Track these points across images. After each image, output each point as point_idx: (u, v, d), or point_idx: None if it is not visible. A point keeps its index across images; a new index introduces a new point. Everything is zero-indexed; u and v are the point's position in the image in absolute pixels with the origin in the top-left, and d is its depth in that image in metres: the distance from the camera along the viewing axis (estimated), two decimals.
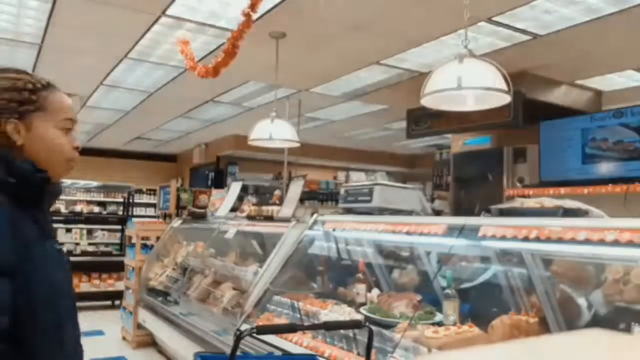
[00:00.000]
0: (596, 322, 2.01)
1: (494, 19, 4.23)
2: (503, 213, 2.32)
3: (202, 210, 5.33)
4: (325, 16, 4.33)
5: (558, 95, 5.84)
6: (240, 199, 4.95)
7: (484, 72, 2.77)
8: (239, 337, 1.57)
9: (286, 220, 3.56)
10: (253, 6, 3.71)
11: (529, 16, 4.17)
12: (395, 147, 11.33)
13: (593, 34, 4.45)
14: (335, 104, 7.39)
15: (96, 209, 9.76)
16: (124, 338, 6.11)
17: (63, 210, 9.32)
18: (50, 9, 4.32)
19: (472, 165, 6.40)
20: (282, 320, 2.69)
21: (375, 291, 2.83)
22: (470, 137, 6.61)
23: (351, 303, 2.75)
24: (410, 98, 6.43)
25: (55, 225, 9.32)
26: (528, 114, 5.28)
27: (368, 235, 3.00)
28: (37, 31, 4.84)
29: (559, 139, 5.27)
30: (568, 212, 2.03)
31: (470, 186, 6.37)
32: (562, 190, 4.71)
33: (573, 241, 1.81)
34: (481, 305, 2.46)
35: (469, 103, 3.08)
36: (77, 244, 9.11)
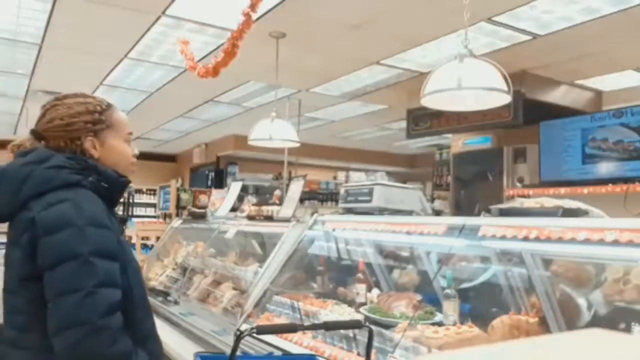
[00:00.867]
0: (596, 322, 2.01)
1: (494, 19, 4.23)
2: (503, 213, 2.31)
3: (202, 210, 5.32)
4: (325, 16, 4.33)
5: (558, 95, 5.85)
6: (240, 199, 4.94)
7: (484, 72, 2.77)
8: (239, 337, 1.57)
9: (286, 220, 3.56)
10: (253, 6, 3.71)
11: (529, 16, 4.16)
12: (395, 147, 11.33)
13: (593, 34, 4.45)
14: (335, 104, 7.39)
15: None
16: None
17: None
18: (50, 9, 4.32)
19: (472, 165, 6.40)
20: (282, 320, 2.69)
21: (375, 291, 2.83)
22: (470, 137, 6.61)
23: (351, 303, 2.74)
24: (410, 98, 6.44)
25: None
26: (528, 114, 5.29)
27: (368, 235, 3.00)
28: (37, 31, 4.84)
29: (559, 139, 5.27)
30: (568, 212, 2.03)
31: (470, 186, 6.37)
32: (562, 190, 4.71)
33: (573, 241, 1.81)
34: (481, 305, 2.46)
35: (469, 103, 3.08)
36: None
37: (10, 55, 5.54)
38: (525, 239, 1.97)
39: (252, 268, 3.50)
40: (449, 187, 7.01)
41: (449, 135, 6.99)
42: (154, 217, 10.08)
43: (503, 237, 2.05)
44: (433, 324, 2.25)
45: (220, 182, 10.60)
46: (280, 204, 4.11)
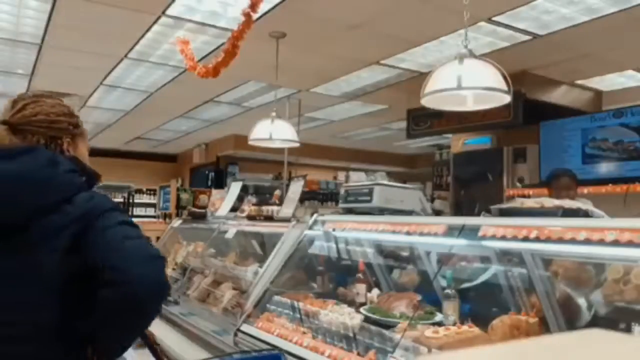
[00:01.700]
0: (596, 322, 2.01)
1: (494, 19, 4.24)
2: (503, 213, 2.31)
3: (202, 210, 5.32)
4: (325, 16, 4.33)
5: (558, 95, 5.85)
6: (240, 199, 4.94)
7: (484, 72, 2.77)
8: None
9: (286, 220, 3.56)
10: (253, 6, 3.71)
11: (529, 16, 4.17)
12: (395, 147, 11.33)
13: (593, 34, 4.45)
14: (335, 104, 7.40)
15: None
16: None
17: None
18: (50, 9, 4.32)
19: (472, 165, 6.40)
20: (282, 320, 2.69)
21: (375, 291, 2.83)
22: (470, 137, 6.61)
23: (351, 303, 2.74)
24: (410, 98, 6.44)
25: None
26: (528, 114, 5.29)
27: (368, 235, 3.00)
28: (37, 31, 4.84)
29: (559, 139, 5.28)
30: (568, 212, 2.03)
31: (470, 186, 6.37)
32: None
33: (573, 241, 1.81)
34: (481, 305, 2.46)
35: (469, 103, 3.07)
36: None
37: (10, 55, 5.54)
38: (525, 239, 1.97)
39: (252, 268, 3.50)
40: (449, 187, 7.01)
41: (449, 135, 6.99)
42: (154, 217, 10.09)
43: (503, 237, 2.05)
44: (433, 324, 2.25)
45: (220, 182, 10.60)
46: (280, 204, 4.11)
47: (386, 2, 4.03)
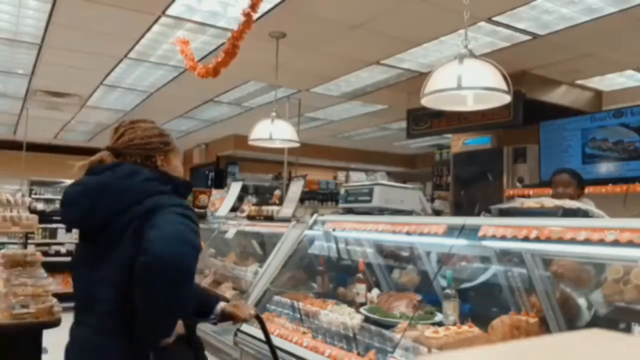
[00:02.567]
0: (596, 322, 2.01)
1: (494, 19, 4.23)
2: (503, 213, 2.32)
3: (202, 210, 5.32)
4: (325, 16, 4.33)
5: (558, 95, 5.85)
6: (240, 199, 4.94)
7: (484, 72, 2.77)
8: None
9: (286, 220, 3.56)
10: (253, 6, 3.71)
11: (529, 16, 4.17)
12: (395, 147, 11.33)
13: (593, 34, 4.45)
14: (335, 104, 7.40)
15: None
16: None
17: None
18: (50, 9, 4.32)
19: (472, 165, 6.40)
20: (282, 320, 2.69)
21: (375, 291, 2.83)
22: (470, 137, 6.61)
23: (351, 303, 2.74)
24: (410, 98, 6.44)
25: (55, 225, 9.34)
26: (528, 114, 5.29)
27: (368, 235, 3.00)
28: (37, 31, 4.84)
29: (559, 139, 5.28)
30: (568, 212, 2.03)
31: (470, 186, 6.37)
32: None
33: (573, 241, 1.81)
34: (481, 305, 2.46)
35: (469, 103, 3.07)
36: (77, 244, 9.10)
37: (10, 55, 5.54)
38: (525, 239, 1.97)
39: (252, 268, 3.50)
40: (449, 187, 7.01)
41: (449, 135, 6.99)
42: None
43: (503, 237, 2.05)
44: (433, 324, 2.25)
45: (220, 182, 10.59)
46: (280, 204, 4.11)
47: (386, 2, 4.03)
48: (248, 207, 4.57)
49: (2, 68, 6.01)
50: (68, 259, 8.20)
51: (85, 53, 5.39)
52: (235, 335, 2.71)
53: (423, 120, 6.34)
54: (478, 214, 3.13)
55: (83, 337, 1.70)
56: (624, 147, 4.76)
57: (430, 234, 2.39)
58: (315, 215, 3.31)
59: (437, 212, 6.08)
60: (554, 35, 4.51)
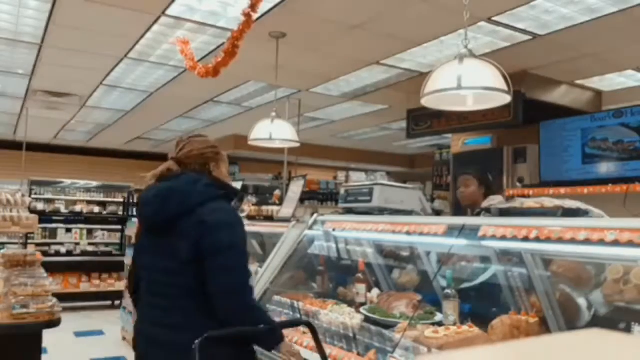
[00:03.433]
0: (596, 322, 2.01)
1: (494, 19, 4.23)
2: (503, 213, 2.32)
3: None
4: (325, 16, 4.33)
5: (558, 95, 5.84)
6: (240, 199, 4.94)
7: (484, 72, 2.77)
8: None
9: (286, 220, 3.56)
10: (253, 6, 3.71)
11: (529, 16, 4.17)
12: (395, 147, 11.33)
13: (593, 34, 4.45)
14: (335, 104, 7.40)
15: (96, 209, 9.74)
16: (123, 338, 6.11)
17: (63, 210, 9.30)
18: (50, 9, 4.32)
19: (472, 165, 6.39)
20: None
21: (375, 291, 2.83)
22: (470, 137, 6.61)
23: (351, 303, 2.74)
24: (410, 98, 6.44)
25: (55, 225, 9.35)
26: (528, 114, 5.28)
27: (368, 235, 3.00)
28: (37, 31, 4.84)
29: (559, 139, 5.28)
30: (568, 212, 2.03)
31: None
32: (562, 190, 4.71)
33: (573, 241, 1.81)
34: (481, 305, 2.46)
35: (469, 103, 3.07)
36: (77, 244, 9.11)
37: (10, 55, 5.54)
38: (525, 239, 1.97)
39: (252, 268, 3.50)
40: (449, 187, 7.01)
41: (449, 135, 6.99)
42: None
43: (503, 237, 2.05)
44: (433, 324, 2.25)
45: None
46: (280, 204, 4.11)
47: (386, 2, 4.03)
48: (248, 207, 4.57)
49: (2, 68, 6.00)
50: (68, 259, 8.24)
51: (85, 53, 5.39)
52: None
53: (423, 120, 6.34)
54: (478, 214, 3.13)
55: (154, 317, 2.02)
56: (624, 147, 4.76)
57: (430, 234, 2.39)
58: (315, 215, 3.31)
59: (437, 212, 6.08)
60: (554, 35, 4.51)
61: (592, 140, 5.01)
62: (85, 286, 7.90)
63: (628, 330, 1.81)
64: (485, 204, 3.48)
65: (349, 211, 3.25)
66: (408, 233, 2.56)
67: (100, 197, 10.72)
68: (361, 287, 2.77)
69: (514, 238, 2.01)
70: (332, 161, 11.75)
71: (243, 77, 6.14)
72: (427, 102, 2.97)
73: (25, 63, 5.80)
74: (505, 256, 2.45)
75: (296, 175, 6.13)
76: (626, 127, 4.77)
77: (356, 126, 9.09)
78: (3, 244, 7.89)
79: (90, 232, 9.81)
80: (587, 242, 1.76)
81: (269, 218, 3.90)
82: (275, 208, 3.98)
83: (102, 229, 9.87)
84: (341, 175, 12.57)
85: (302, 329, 2.53)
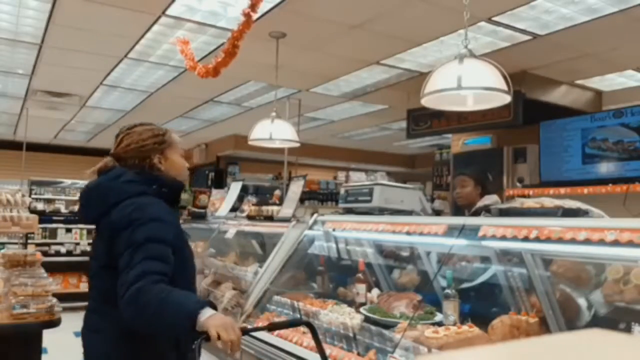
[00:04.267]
0: (596, 322, 2.01)
1: (494, 19, 4.23)
2: (503, 213, 2.32)
3: (202, 210, 5.32)
4: (325, 16, 4.33)
5: (558, 95, 5.84)
6: (240, 199, 4.94)
7: (484, 72, 2.77)
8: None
9: (286, 220, 3.56)
10: (253, 6, 3.71)
11: (529, 16, 4.16)
12: (395, 147, 11.33)
13: (593, 34, 4.44)
14: (335, 104, 7.39)
15: None
16: None
17: (63, 210, 9.30)
18: (50, 9, 4.32)
19: (472, 165, 6.39)
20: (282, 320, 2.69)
21: (375, 291, 2.83)
22: (470, 137, 6.61)
23: (351, 303, 2.75)
24: (410, 98, 6.44)
25: (55, 225, 9.34)
26: (528, 114, 5.28)
27: (368, 235, 3.00)
28: (37, 31, 4.84)
29: (559, 139, 5.28)
30: (568, 212, 2.03)
31: None
32: (562, 190, 4.71)
33: (573, 241, 1.81)
34: (481, 305, 2.46)
35: (469, 103, 3.08)
36: (77, 244, 9.11)
37: (10, 55, 5.54)
38: (525, 239, 1.97)
39: (252, 268, 3.50)
40: (449, 187, 7.01)
41: (449, 135, 6.99)
42: None
43: (503, 237, 2.05)
44: (433, 324, 2.25)
45: (220, 182, 10.59)
46: (280, 204, 4.11)
47: (386, 2, 4.03)
48: (248, 207, 4.57)
49: (2, 68, 6.00)
50: (68, 259, 8.23)
51: (85, 53, 5.39)
52: None
53: (423, 120, 6.34)
54: (474, 214, 3.13)
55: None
56: (624, 147, 4.76)
57: (430, 234, 2.39)
58: (315, 215, 3.32)
59: (437, 212, 6.07)
60: (554, 35, 4.50)
61: (592, 140, 5.01)
62: (85, 286, 7.89)
63: (628, 330, 1.81)
64: (479, 204, 3.50)
65: (349, 211, 3.25)
66: (408, 233, 2.56)
67: None
68: (361, 287, 2.77)
69: (514, 238, 2.01)
70: (332, 161, 11.74)
71: (243, 77, 6.13)
72: (427, 102, 2.97)
73: (25, 63, 5.80)
74: (505, 256, 2.45)
75: (296, 175, 6.13)
76: (626, 127, 4.77)
77: (356, 126, 9.08)
78: (3, 244, 7.89)
79: (90, 232, 9.79)
80: (587, 242, 1.77)
81: (269, 218, 3.90)
82: (275, 208, 3.98)
83: None
84: (341, 175, 12.56)
85: (302, 329, 2.53)
